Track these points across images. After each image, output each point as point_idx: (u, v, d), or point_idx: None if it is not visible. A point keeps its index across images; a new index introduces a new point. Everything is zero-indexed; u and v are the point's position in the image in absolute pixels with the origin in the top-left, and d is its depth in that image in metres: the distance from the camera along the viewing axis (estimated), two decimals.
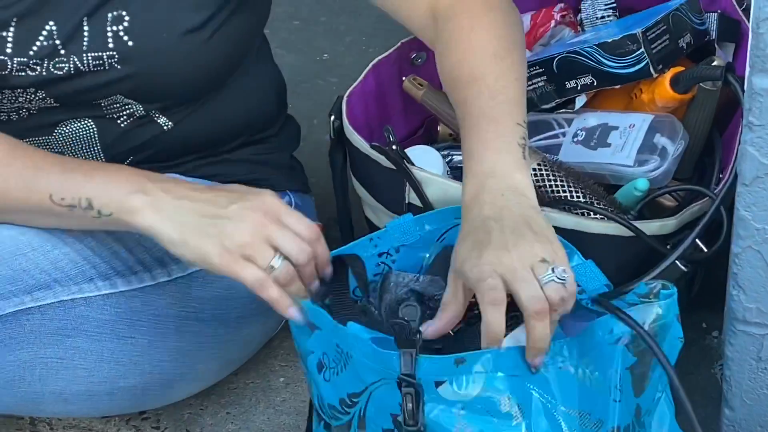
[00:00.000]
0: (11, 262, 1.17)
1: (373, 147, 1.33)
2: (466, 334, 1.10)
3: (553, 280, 1.00)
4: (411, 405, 1.02)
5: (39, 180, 1.17)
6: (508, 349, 1.03)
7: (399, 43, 1.55)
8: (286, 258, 1.06)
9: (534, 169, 1.32)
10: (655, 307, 1.06)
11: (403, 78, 1.49)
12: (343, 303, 1.17)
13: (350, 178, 1.43)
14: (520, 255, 1.00)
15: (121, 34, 1.23)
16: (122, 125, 1.32)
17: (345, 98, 1.42)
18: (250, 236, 1.08)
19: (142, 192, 1.12)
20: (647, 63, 1.35)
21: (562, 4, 1.60)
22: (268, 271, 1.06)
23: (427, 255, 1.24)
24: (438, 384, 1.02)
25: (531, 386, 1.05)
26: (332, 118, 1.38)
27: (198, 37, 1.26)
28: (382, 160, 1.32)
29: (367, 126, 1.43)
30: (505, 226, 1.04)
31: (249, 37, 1.34)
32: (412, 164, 1.32)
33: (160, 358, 1.30)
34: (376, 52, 1.54)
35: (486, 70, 1.20)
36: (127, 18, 1.22)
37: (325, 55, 1.99)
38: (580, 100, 1.46)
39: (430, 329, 1.06)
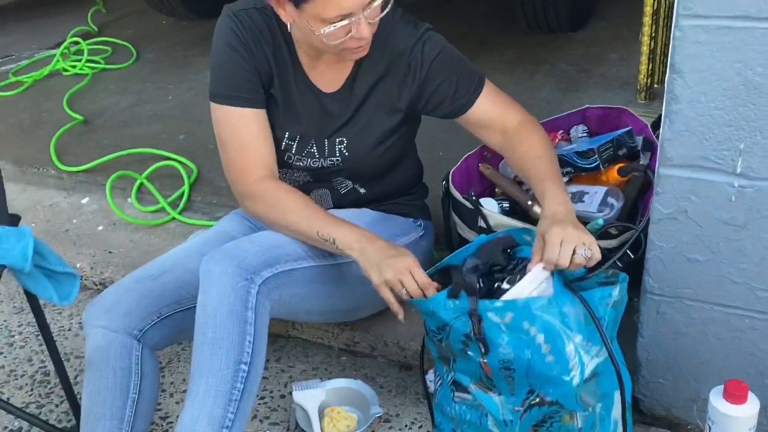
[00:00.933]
0: (291, 245, 1.39)
1: (464, 197, 1.59)
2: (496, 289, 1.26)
3: (582, 253, 1.20)
4: (477, 326, 1.19)
5: (315, 222, 1.38)
6: (528, 300, 1.17)
7: (478, 147, 1.77)
8: (407, 293, 1.29)
9: None
10: (619, 286, 1.26)
11: (479, 164, 1.74)
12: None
13: (451, 213, 1.66)
14: (574, 234, 1.21)
15: (343, 149, 1.48)
16: (341, 191, 1.56)
17: (451, 172, 1.66)
18: (393, 276, 1.30)
19: (358, 242, 1.34)
20: (598, 163, 1.58)
21: (562, 131, 1.83)
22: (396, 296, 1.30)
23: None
24: (489, 313, 1.19)
25: (544, 315, 1.17)
26: (444, 182, 1.63)
27: (381, 150, 1.48)
28: (467, 204, 1.57)
29: (461, 187, 1.66)
30: (567, 222, 1.24)
31: (406, 145, 1.54)
32: (482, 206, 1.56)
33: (355, 297, 1.50)
34: (467, 150, 1.77)
35: (544, 154, 1.39)
36: (345, 141, 1.47)
37: (440, 153, 2.20)
38: (565, 179, 1.62)
39: (530, 265, 1.23)
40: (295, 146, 1.50)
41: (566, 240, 1.20)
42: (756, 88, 1.10)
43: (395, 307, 1.32)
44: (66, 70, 3.39)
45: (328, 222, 1.37)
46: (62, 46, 3.52)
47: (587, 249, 1.20)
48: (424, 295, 1.27)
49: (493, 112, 1.46)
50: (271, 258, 1.34)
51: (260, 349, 1.29)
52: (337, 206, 1.57)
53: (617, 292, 1.25)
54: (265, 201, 1.42)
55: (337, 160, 1.49)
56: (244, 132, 1.43)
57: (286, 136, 1.49)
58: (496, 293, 1.24)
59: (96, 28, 3.87)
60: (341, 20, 1.26)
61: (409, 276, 1.29)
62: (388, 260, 1.30)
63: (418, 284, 1.29)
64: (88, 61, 3.42)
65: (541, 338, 1.17)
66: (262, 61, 1.43)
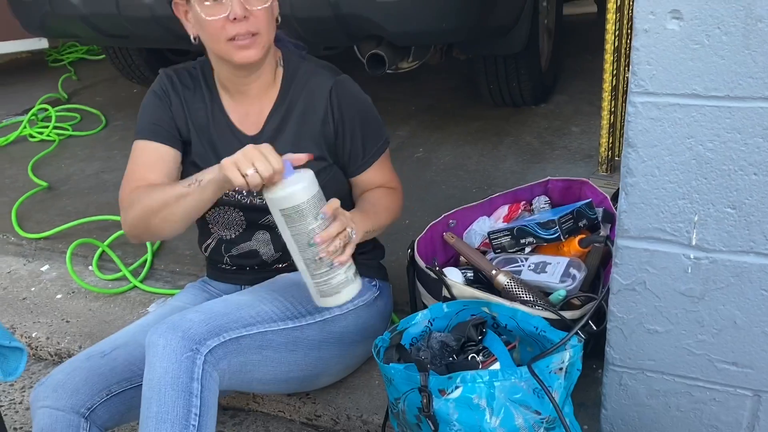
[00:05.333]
0: (239, 312, 1.37)
1: (427, 267, 1.59)
2: (457, 363, 1.29)
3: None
4: (426, 401, 1.20)
5: (177, 185, 1.39)
6: (478, 372, 1.19)
7: (442, 216, 1.80)
8: (257, 172, 1.23)
9: (508, 283, 1.55)
10: (569, 351, 1.25)
11: (444, 232, 1.75)
12: (403, 355, 1.34)
13: (416, 281, 1.66)
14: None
15: None
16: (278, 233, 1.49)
17: (416, 241, 1.66)
18: (240, 156, 1.25)
19: (218, 165, 1.31)
20: (559, 234, 1.60)
21: (524, 202, 1.86)
22: (245, 176, 1.24)
23: (447, 323, 1.41)
24: (440, 390, 1.19)
25: (493, 391, 1.17)
26: (409, 250, 1.63)
27: None
28: (431, 273, 1.57)
29: (425, 256, 1.66)
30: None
31: (336, 195, 1.40)
32: (446, 276, 1.56)
33: (310, 363, 1.47)
34: (432, 219, 1.79)
35: (378, 203, 1.49)
36: None
37: (406, 221, 2.20)
38: (528, 249, 1.68)
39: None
40: None
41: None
42: (707, 162, 1.13)
43: (239, 180, 1.25)
44: (33, 137, 3.38)
45: (188, 178, 1.38)
46: (30, 112, 3.52)
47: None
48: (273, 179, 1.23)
49: (378, 180, 1.55)
50: (217, 326, 1.32)
51: (208, 421, 1.25)
52: (279, 251, 1.56)
53: (565, 359, 1.24)
54: (132, 203, 1.43)
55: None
56: (139, 159, 1.49)
57: None
58: (470, 364, 1.26)
59: (66, 96, 3.89)
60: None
61: (262, 159, 1.23)
62: (242, 150, 1.27)
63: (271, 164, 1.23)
64: (55, 127, 3.42)
65: (489, 412, 1.17)
66: (178, 109, 1.52)
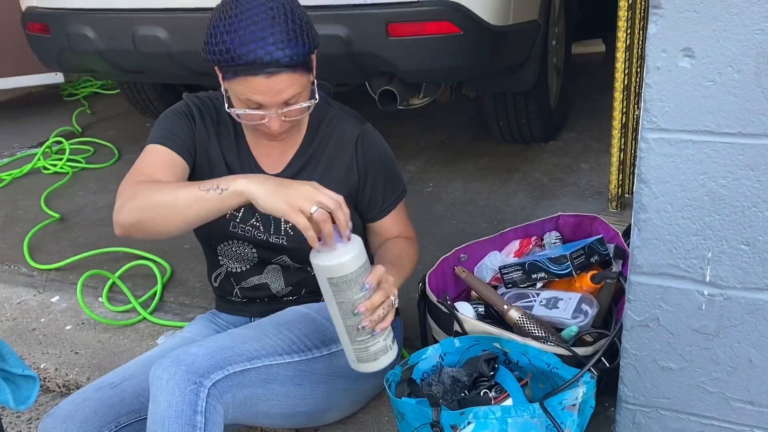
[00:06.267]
0: (244, 345, 1.36)
1: (439, 301, 1.58)
2: (469, 399, 1.29)
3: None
4: None
5: (191, 185, 1.30)
6: (491, 408, 1.19)
7: (453, 250, 1.79)
8: (321, 207, 1.19)
9: (519, 318, 1.53)
10: (582, 387, 1.26)
11: (455, 267, 1.75)
12: (414, 390, 1.35)
13: (427, 316, 1.64)
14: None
15: (288, 228, 1.49)
16: (293, 269, 1.56)
17: (427, 275, 1.66)
18: (303, 199, 1.19)
19: (246, 178, 1.25)
20: (571, 269, 1.59)
21: (535, 237, 1.86)
22: (309, 215, 1.18)
23: (458, 358, 1.41)
24: (452, 426, 1.19)
25: (505, 427, 1.18)
26: (420, 284, 1.62)
27: None
28: (442, 308, 1.56)
29: (437, 290, 1.66)
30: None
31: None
32: (457, 311, 1.55)
33: (318, 397, 1.45)
34: (442, 253, 1.79)
35: (401, 253, 1.50)
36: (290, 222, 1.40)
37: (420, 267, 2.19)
38: (539, 284, 1.67)
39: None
40: (239, 216, 1.52)
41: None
42: (720, 198, 1.13)
43: (311, 233, 1.19)
44: (47, 169, 3.41)
45: (204, 181, 1.28)
46: (45, 145, 3.56)
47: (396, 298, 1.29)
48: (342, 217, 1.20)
49: (394, 228, 1.56)
50: (222, 360, 1.30)
51: None
52: (289, 285, 1.57)
53: (579, 396, 1.23)
54: (136, 193, 1.32)
55: (282, 238, 1.51)
56: (148, 158, 1.43)
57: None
58: (482, 400, 1.25)
59: (80, 129, 3.93)
60: (255, 108, 1.34)
61: (323, 195, 1.19)
62: (289, 184, 1.21)
63: (334, 199, 1.20)
64: (69, 160, 3.45)
65: None
66: (201, 133, 1.50)
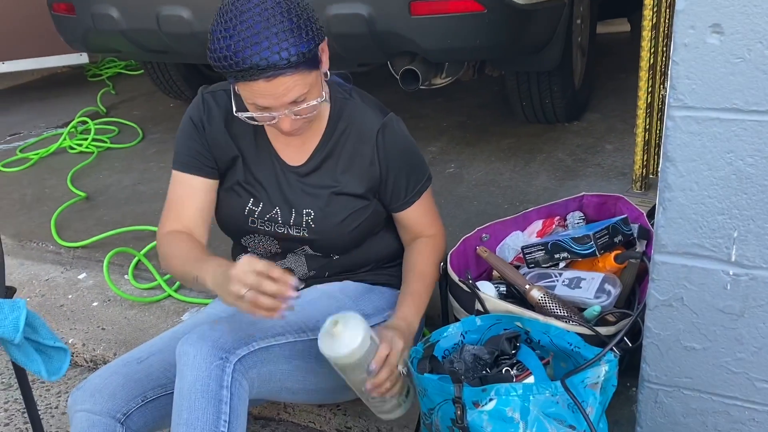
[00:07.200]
0: (269, 322, 1.34)
1: (460, 280, 1.59)
2: (490, 376, 1.30)
3: (400, 369, 1.34)
4: (460, 412, 1.21)
5: (189, 265, 1.41)
6: (512, 385, 1.20)
7: (475, 230, 1.80)
8: (251, 289, 1.21)
9: (541, 298, 1.54)
10: (604, 366, 1.25)
11: (477, 246, 1.75)
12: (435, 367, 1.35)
13: (449, 295, 1.66)
14: (400, 345, 1.35)
15: (310, 221, 1.51)
16: (315, 257, 1.57)
17: (449, 254, 1.66)
18: (235, 284, 1.22)
19: (210, 276, 1.31)
20: (595, 249, 1.58)
21: (558, 217, 1.85)
22: (241, 298, 1.22)
23: (479, 336, 1.42)
24: (474, 402, 1.20)
25: (527, 404, 1.18)
26: (442, 263, 1.62)
27: (348, 227, 1.51)
28: (464, 287, 1.58)
29: (458, 269, 1.67)
30: (404, 333, 1.40)
31: (372, 227, 1.56)
32: (479, 290, 1.56)
33: (327, 374, 1.42)
34: (464, 234, 1.79)
35: (427, 273, 1.53)
36: (312, 214, 1.50)
37: None
38: (562, 264, 1.68)
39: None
40: (258, 211, 1.53)
41: (393, 347, 1.34)
42: (747, 177, 1.12)
43: (264, 313, 1.22)
44: (72, 148, 3.46)
45: (198, 261, 1.39)
46: (70, 125, 3.61)
47: (404, 367, 1.35)
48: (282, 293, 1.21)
49: (419, 219, 1.56)
50: (247, 336, 1.33)
51: (237, 427, 1.27)
52: (312, 270, 1.58)
53: (601, 374, 1.23)
54: (163, 251, 1.50)
55: (303, 230, 1.51)
56: (174, 192, 1.53)
57: (251, 201, 1.52)
58: (504, 377, 1.26)
59: (105, 109, 3.98)
60: (262, 112, 1.33)
61: (253, 276, 1.20)
62: (227, 272, 1.24)
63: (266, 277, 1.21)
64: (94, 140, 3.49)
65: (523, 426, 1.16)
66: (216, 138, 1.50)
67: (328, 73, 1.40)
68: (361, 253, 1.58)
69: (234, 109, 1.39)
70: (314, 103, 1.34)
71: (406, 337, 1.40)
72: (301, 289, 1.58)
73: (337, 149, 1.49)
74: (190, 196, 1.52)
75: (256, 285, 1.20)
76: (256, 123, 1.39)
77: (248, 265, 1.22)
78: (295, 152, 1.50)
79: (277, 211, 1.52)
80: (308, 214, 1.50)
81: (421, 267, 1.54)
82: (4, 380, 1.99)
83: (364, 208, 1.51)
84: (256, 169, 1.51)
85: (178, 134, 1.55)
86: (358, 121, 1.49)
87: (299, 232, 1.51)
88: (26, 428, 1.80)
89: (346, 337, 1.29)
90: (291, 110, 1.33)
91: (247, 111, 1.36)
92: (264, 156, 1.51)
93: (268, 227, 1.53)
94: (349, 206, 1.50)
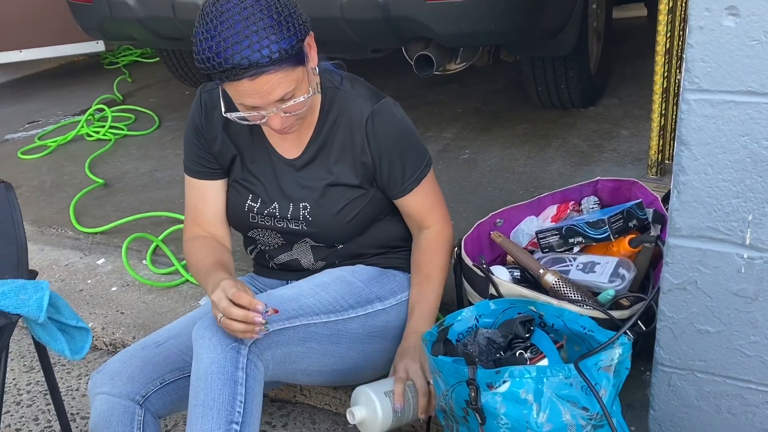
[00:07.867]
0: (282, 305, 1.39)
1: (474, 265, 1.59)
2: (504, 359, 1.31)
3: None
4: (474, 394, 1.21)
5: (202, 278, 1.46)
6: (526, 368, 1.20)
7: (489, 215, 1.80)
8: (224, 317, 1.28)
9: (555, 282, 1.54)
10: (618, 348, 1.25)
11: (491, 231, 1.76)
12: (449, 350, 1.36)
13: (462, 280, 1.66)
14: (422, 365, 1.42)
15: (306, 214, 1.52)
16: (320, 246, 1.58)
17: (463, 239, 1.67)
18: (213, 311, 1.31)
19: (210, 294, 1.35)
20: (609, 233, 1.59)
21: (573, 202, 1.85)
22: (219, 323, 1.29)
23: (493, 320, 1.42)
24: (487, 384, 1.21)
25: (540, 386, 1.19)
26: (456, 249, 1.63)
27: (343, 218, 1.51)
28: (478, 271, 1.58)
29: (472, 254, 1.67)
30: (414, 352, 1.44)
31: (375, 214, 1.56)
32: (493, 274, 1.57)
33: (354, 356, 1.49)
34: (479, 218, 1.80)
35: (434, 276, 1.53)
36: (308, 207, 1.51)
37: (452, 222, 2.17)
38: (576, 249, 1.68)
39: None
40: (257, 207, 1.55)
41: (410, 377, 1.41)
42: (762, 160, 1.11)
43: (238, 335, 1.28)
44: (90, 136, 3.49)
45: (207, 275, 1.43)
46: (87, 113, 3.65)
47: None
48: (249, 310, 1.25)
49: (421, 206, 1.54)
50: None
51: (253, 408, 1.29)
52: (320, 260, 1.59)
53: (615, 357, 1.23)
54: (187, 260, 1.56)
55: (301, 223, 1.53)
56: (189, 195, 1.58)
57: (249, 197, 1.54)
58: (518, 360, 1.27)
59: (121, 97, 4.01)
60: (251, 111, 1.33)
61: (225, 302, 1.26)
62: (212, 295, 1.30)
63: (233, 303, 1.26)
64: (111, 127, 3.53)
65: (536, 408, 1.17)
66: (215, 139, 1.52)
67: (317, 69, 1.39)
68: (367, 239, 1.59)
69: (223, 110, 1.39)
70: (302, 99, 1.34)
71: (419, 351, 1.45)
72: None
73: (330, 140, 1.49)
74: (203, 201, 1.57)
75: (226, 312, 1.27)
76: (247, 123, 1.39)
77: (222, 291, 1.29)
78: (291, 146, 1.51)
79: (275, 206, 1.53)
80: (304, 207, 1.51)
81: (426, 270, 1.55)
82: (26, 363, 2.03)
83: (361, 197, 1.52)
84: (254, 165, 1.53)
85: (184, 137, 1.57)
86: (349, 110, 1.47)
87: (298, 226, 1.53)
88: (48, 409, 1.83)
89: (369, 420, 1.38)
90: (279, 108, 1.33)
91: (237, 111, 1.36)
92: (261, 151, 1.52)
93: (268, 222, 1.55)
94: (345, 196, 1.50)
